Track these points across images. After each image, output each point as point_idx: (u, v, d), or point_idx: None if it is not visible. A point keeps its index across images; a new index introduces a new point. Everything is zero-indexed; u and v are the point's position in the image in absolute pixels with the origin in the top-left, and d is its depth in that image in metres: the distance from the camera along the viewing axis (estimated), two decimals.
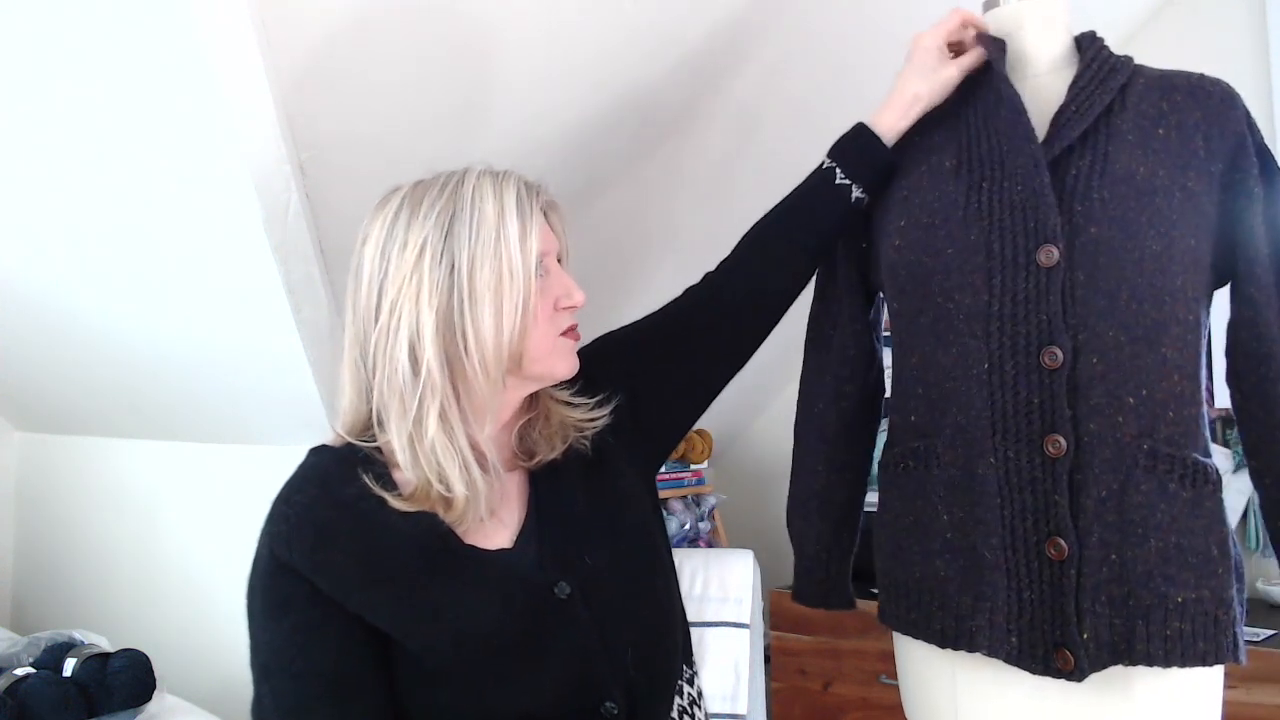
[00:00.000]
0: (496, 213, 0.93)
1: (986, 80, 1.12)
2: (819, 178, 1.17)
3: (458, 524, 0.95)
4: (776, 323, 1.19)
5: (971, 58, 1.14)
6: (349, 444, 0.98)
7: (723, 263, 1.19)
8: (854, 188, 1.15)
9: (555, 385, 1.03)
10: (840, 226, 1.19)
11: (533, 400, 1.03)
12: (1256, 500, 1.08)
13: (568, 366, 1.00)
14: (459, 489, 0.93)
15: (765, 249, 1.18)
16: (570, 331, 1.00)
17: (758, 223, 1.20)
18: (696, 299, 1.16)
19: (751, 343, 1.18)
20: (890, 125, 1.15)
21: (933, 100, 1.15)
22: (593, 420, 1.04)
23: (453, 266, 0.92)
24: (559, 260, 1.01)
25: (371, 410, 0.97)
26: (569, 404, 1.04)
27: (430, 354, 0.91)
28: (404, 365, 0.91)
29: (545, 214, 0.99)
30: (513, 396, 1.00)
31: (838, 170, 1.16)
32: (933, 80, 1.14)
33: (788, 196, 1.19)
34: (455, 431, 0.93)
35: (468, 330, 0.92)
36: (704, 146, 1.79)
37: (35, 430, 2.40)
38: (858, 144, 1.16)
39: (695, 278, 1.18)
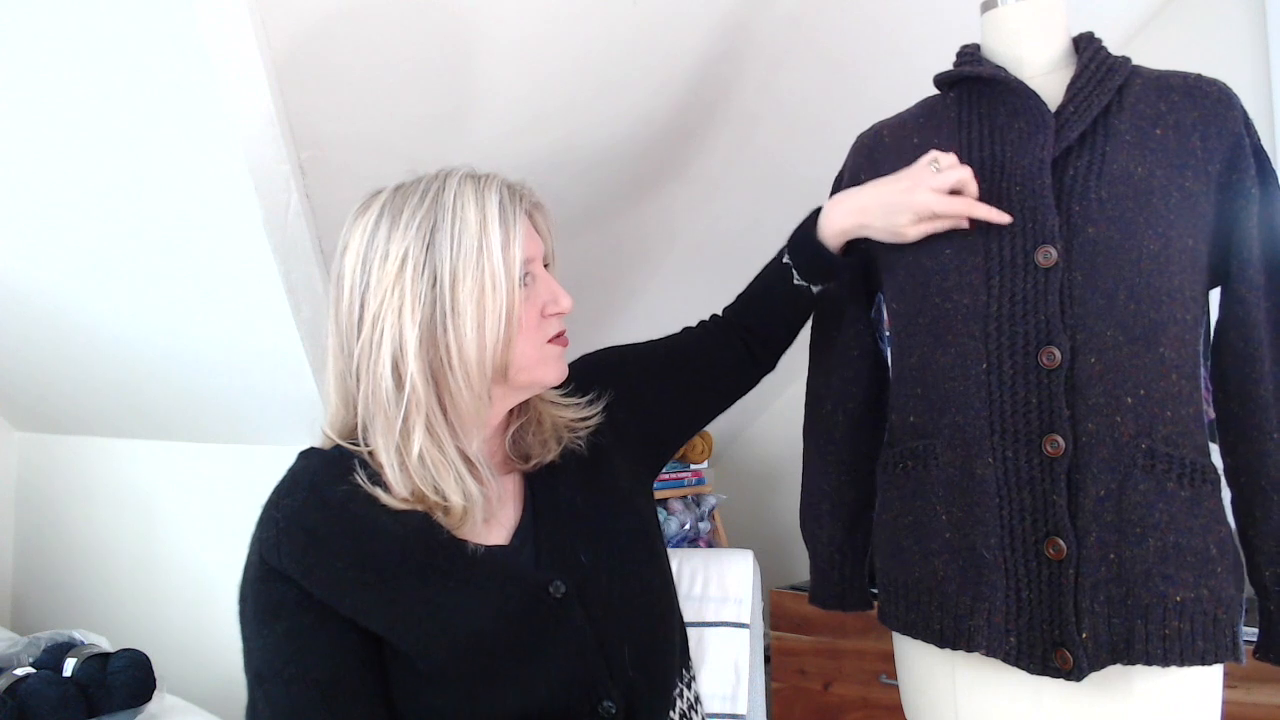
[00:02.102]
0: (478, 221, 0.91)
1: (1000, 90, 1.11)
2: (778, 271, 1.17)
3: (455, 529, 0.95)
4: (766, 372, 1.23)
5: (937, 225, 1.06)
6: (338, 446, 0.97)
7: (716, 317, 1.22)
8: (811, 287, 1.17)
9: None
10: (809, 308, 1.21)
11: (524, 404, 1.03)
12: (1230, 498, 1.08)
13: (555, 373, 0.99)
14: (456, 499, 0.92)
15: (749, 324, 1.21)
16: (558, 337, 0.99)
17: (738, 299, 1.22)
18: (695, 340, 1.20)
19: (742, 387, 1.22)
20: (832, 237, 1.12)
21: (876, 238, 1.10)
22: (585, 420, 1.04)
23: (435, 279, 0.90)
24: (546, 263, 1.00)
25: (358, 419, 0.96)
26: (559, 404, 1.04)
27: (414, 369, 0.90)
28: (387, 380, 0.90)
29: (530, 216, 0.98)
30: (501, 406, 0.99)
31: (794, 271, 1.16)
32: (889, 231, 1.08)
33: (758, 278, 1.21)
34: (444, 444, 0.92)
35: (450, 344, 0.90)
36: (702, 149, 1.79)
37: (35, 430, 2.41)
38: (807, 249, 1.14)
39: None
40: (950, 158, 1.06)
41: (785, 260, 1.17)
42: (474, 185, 0.93)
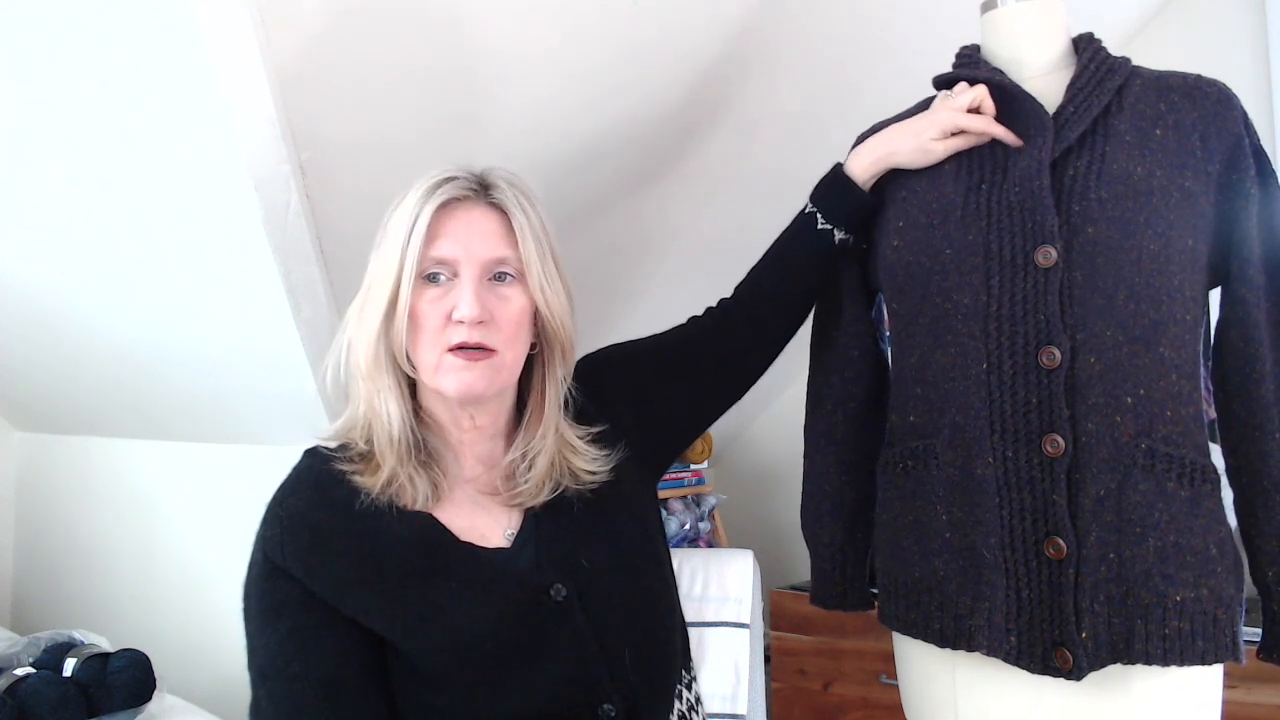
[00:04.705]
0: (398, 220, 0.95)
1: (999, 93, 1.10)
2: (802, 222, 1.19)
3: (424, 501, 0.95)
4: (778, 354, 1.22)
5: (961, 141, 1.10)
6: (342, 445, 0.99)
7: (725, 301, 1.21)
8: (835, 231, 1.17)
9: (571, 420, 1.03)
10: (829, 266, 1.21)
11: (520, 439, 1.02)
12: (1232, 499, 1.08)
13: (451, 385, 0.93)
14: (380, 432, 0.95)
15: (764, 293, 1.20)
16: (461, 350, 0.93)
17: (754, 267, 1.22)
18: (703, 329, 1.18)
19: (755, 372, 1.21)
20: (862, 171, 1.16)
21: (904, 164, 1.14)
22: (592, 474, 1.02)
23: (371, 272, 0.96)
24: (503, 272, 0.96)
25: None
26: (578, 451, 1.01)
27: (348, 341, 0.98)
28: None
29: (474, 215, 0.96)
30: (443, 409, 0.99)
31: (818, 216, 1.17)
32: (918, 150, 1.12)
33: (778, 240, 1.21)
34: (375, 391, 0.96)
35: (351, 325, 0.97)
36: (702, 153, 1.79)
37: (35, 430, 2.40)
38: (835, 189, 1.17)
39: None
40: (962, 85, 1.11)
41: (808, 209, 1.18)
42: (426, 183, 0.96)
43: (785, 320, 1.21)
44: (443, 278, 0.94)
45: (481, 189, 0.98)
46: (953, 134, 1.10)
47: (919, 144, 1.12)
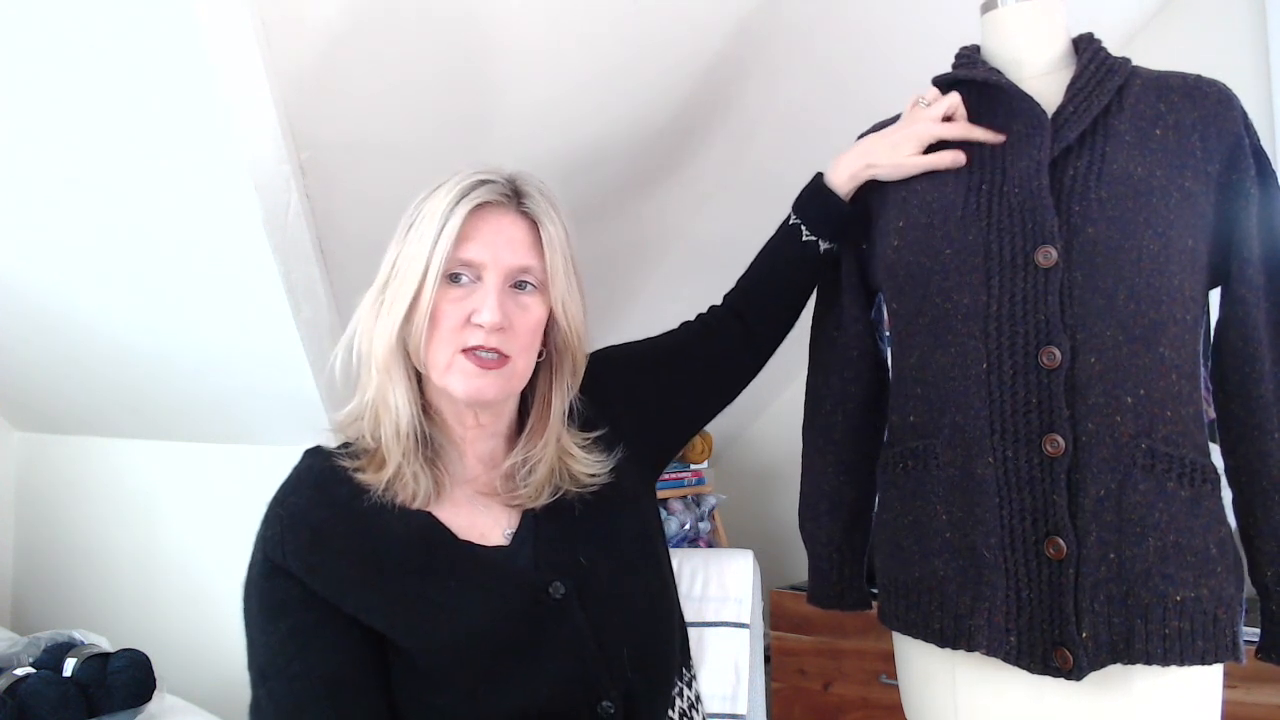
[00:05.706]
0: (428, 216, 0.94)
1: (997, 93, 1.11)
2: (787, 232, 1.20)
3: (395, 480, 0.95)
4: (772, 353, 1.23)
5: (941, 159, 1.11)
6: (344, 444, 0.99)
7: (716, 308, 1.22)
8: (820, 242, 1.18)
9: (571, 427, 1.03)
10: (817, 274, 1.22)
11: (522, 444, 1.02)
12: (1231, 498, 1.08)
13: (460, 386, 0.94)
14: (388, 418, 0.95)
15: (754, 300, 1.21)
16: (475, 351, 0.94)
17: (743, 275, 1.23)
18: (696, 333, 1.19)
19: (750, 370, 1.22)
20: (842, 184, 1.17)
21: (883, 177, 1.15)
22: (592, 476, 1.02)
23: (394, 262, 0.96)
24: (524, 280, 0.97)
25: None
26: (575, 457, 1.02)
27: (362, 333, 0.98)
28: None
29: (502, 222, 0.96)
30: (450, 406, 0.99)
31: (803, 227, 1.18)
32: (895, 163, 1.13)
33: (764, 249, 1.23)
34: (383, 386, 0.96)
35: (367, 315, 0.97)
36: (702, 155, 1.79)
37: (35, 430, 2.41)
38: (817, 200, 1.18)
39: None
40: (934, 91, 1.13)
41: (793, 221, 1.19)
42: (458, 184, 0.95)
43: (777, 324, 1.23)
44: (465, 279, 0.95)
45: (514, 195, 0.98)
46: (930, 146, 1.11)
47: (895, 159, 1.13)
